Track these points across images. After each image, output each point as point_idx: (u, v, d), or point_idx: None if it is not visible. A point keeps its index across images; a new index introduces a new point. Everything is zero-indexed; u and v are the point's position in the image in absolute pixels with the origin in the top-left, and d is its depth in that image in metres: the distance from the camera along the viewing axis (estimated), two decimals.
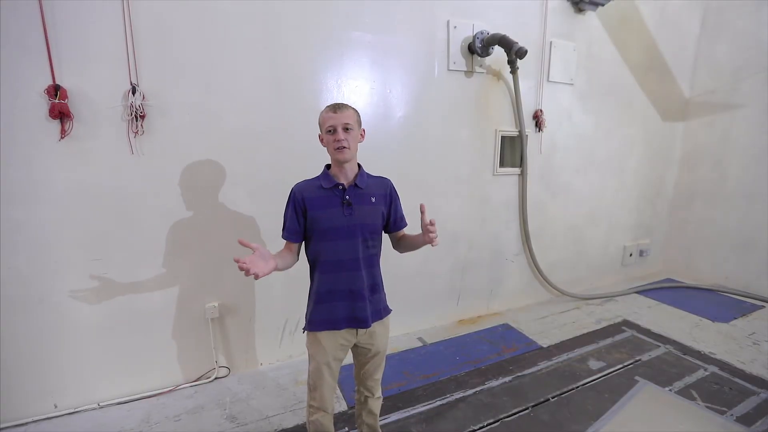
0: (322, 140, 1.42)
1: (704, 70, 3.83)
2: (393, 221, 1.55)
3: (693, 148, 4.00)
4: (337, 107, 1.37)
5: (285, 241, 1.45)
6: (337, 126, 1.34)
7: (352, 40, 2.37)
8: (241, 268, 1.17)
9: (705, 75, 3.83)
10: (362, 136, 1.45)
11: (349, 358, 1.58)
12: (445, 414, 2.04)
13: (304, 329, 1.47)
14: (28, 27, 1.71)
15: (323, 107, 1.42)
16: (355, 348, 1.52)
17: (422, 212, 1.39)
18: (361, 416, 1.65)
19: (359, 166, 1.48)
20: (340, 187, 1.40)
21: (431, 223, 1.35)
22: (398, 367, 2.46)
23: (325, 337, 1.42)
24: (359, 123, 1.43)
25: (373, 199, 1.45)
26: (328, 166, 1.48)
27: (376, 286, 1.49)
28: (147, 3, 1.89)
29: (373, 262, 1.47)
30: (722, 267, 3.81)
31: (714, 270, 3.88)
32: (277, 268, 1.32)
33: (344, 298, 1.41)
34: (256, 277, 1.20)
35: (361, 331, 1.45)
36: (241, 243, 1.22)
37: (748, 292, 3.56)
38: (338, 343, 1.44)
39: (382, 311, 1.52)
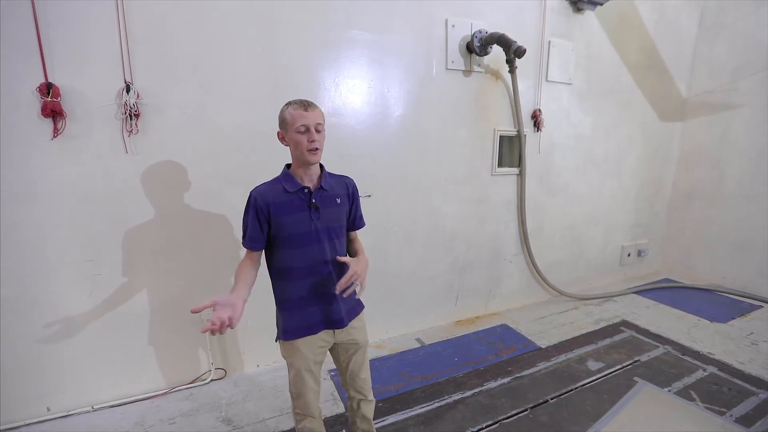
0: (282, 138, 1.35)
1: (702, 70, 3.83)
2: (352, 221, 1.51)
3: (691, 148, 4.00)
4: (307, 105, 1.30)
5: (246, 250, 1.37)
6: (310, 126, 1.28)
7: (351, 39, 2.35)
8: (213, 332, 1.11)
9: (703, 75, 3.83)
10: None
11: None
12: (443, 416, 2.02)
13: (278, 339, 1.43)
14: (21, 24, 1.68)
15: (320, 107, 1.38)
16: (335, 348, 1.49)
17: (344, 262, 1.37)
18: (356, 423, 1.61)
19: (321, 166, 1.43)
20: (306, 190, 1.35)
21: (349, 277, 1.30)
22: (396, 369, 2.45)
23: (303, 343, 1.39)
24: (324, 122, 1.38)
25: (338, 200, 1.41)
26: (288, 166, 1.41)
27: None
28: (142, 1, 1.86)
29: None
30: (720, 267, 3.82)
31: (712, 270, 3.88)
32: (246, 300, 1.27)
33: (318, 302, 1.37)
34: (232, 326, 1.15)
35: (338, 330, 1.43)
36: (194, 312, 1.15)
37: (746, 292, 3.56)
38: (317, 346, 1.41)
39: (356, 307, 1.50)
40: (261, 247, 1.37)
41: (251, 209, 1.32)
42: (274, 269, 1.40)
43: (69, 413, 2.02)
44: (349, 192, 1.47)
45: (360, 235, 1.59)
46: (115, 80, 1.86)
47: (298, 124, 1.28)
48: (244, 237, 1.36)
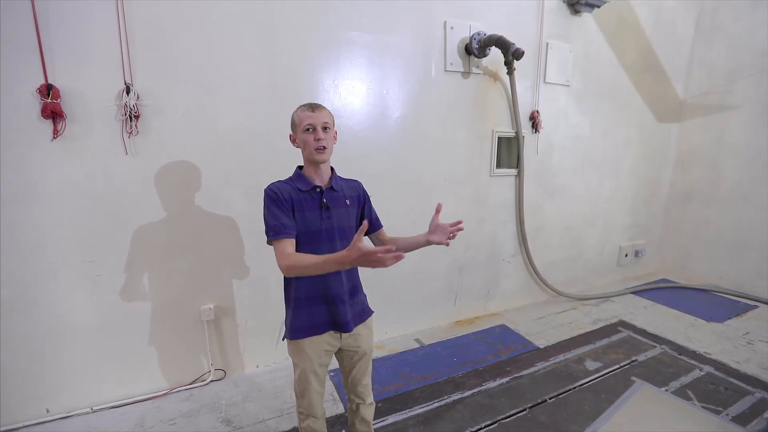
0: (294, 140, 1.40)
1: (699, 71, 3.86)
2: (369, 223, 1.52)
3: (688, 149, 4.03)
4: (314, 106, 1.34)
5: (284, 240, 1.24)
6: (317, 125, 1.32)
7: (350, 40, 2.36)
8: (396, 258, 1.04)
9: (700, 76, 3.86)
10: (335, 138, 1.42)
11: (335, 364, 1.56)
12: (442, 416, 2.03)
13: (284, 337, 1.43)
14: (20, 25, 1.68)
15: None
16: (340, 353, 1.50)
17: (437, 212, 1.40)
18: (355, 425, 1.62)
19: (332, 168, 1.45)
20: (318, 189, 1.37)
21: (456, 228, 1.37)
22: (395, 369, 2.46)
23: (308, 344, 1.38)
24: (333, 123, 1.40)
25: (348, 202, 1.43)
26: (299, 168, 1.44)
27: (355, 289, 1.47)
28: (141, 2, 1.87)
29: None
30: (717, 267, 3.84)
31: (709, 270, 3.90)
32: None
33: (324, 303, 1.37)
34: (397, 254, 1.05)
35: (344, 334, 1.43)
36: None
37: (742, 292, 3.58)
38: (322, 349, 1.41)
39: (363, 313, 1.50)
40: (294, 233, 1.29)
41: (275, 199, 1.29)
42: None
43: (68, 414, 2.02)
44: (360, 195, 1.49)
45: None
46: (115, 81, 1.87)
47: (305, 124, 1.32)
48: (274, 228, 1.25)
